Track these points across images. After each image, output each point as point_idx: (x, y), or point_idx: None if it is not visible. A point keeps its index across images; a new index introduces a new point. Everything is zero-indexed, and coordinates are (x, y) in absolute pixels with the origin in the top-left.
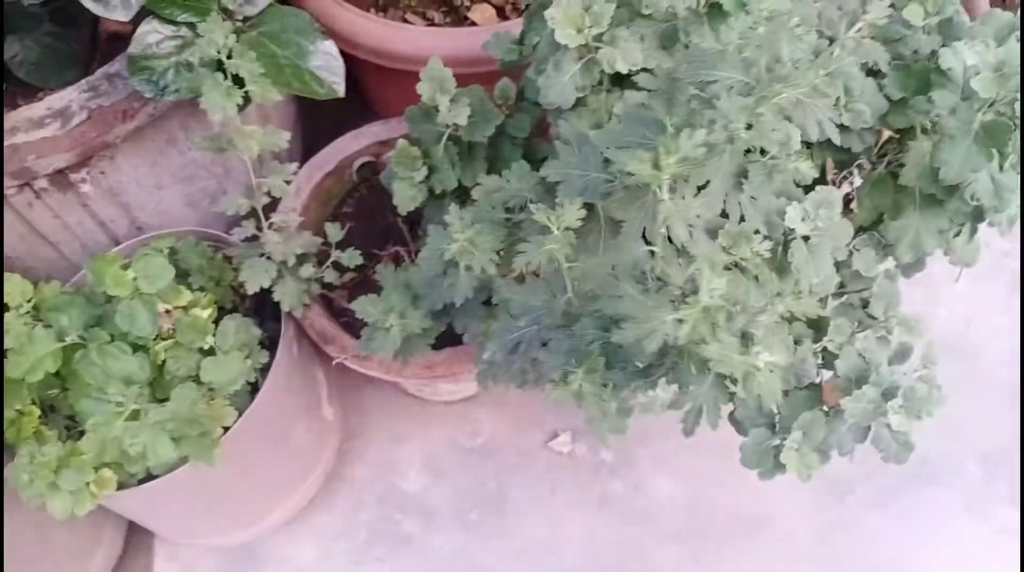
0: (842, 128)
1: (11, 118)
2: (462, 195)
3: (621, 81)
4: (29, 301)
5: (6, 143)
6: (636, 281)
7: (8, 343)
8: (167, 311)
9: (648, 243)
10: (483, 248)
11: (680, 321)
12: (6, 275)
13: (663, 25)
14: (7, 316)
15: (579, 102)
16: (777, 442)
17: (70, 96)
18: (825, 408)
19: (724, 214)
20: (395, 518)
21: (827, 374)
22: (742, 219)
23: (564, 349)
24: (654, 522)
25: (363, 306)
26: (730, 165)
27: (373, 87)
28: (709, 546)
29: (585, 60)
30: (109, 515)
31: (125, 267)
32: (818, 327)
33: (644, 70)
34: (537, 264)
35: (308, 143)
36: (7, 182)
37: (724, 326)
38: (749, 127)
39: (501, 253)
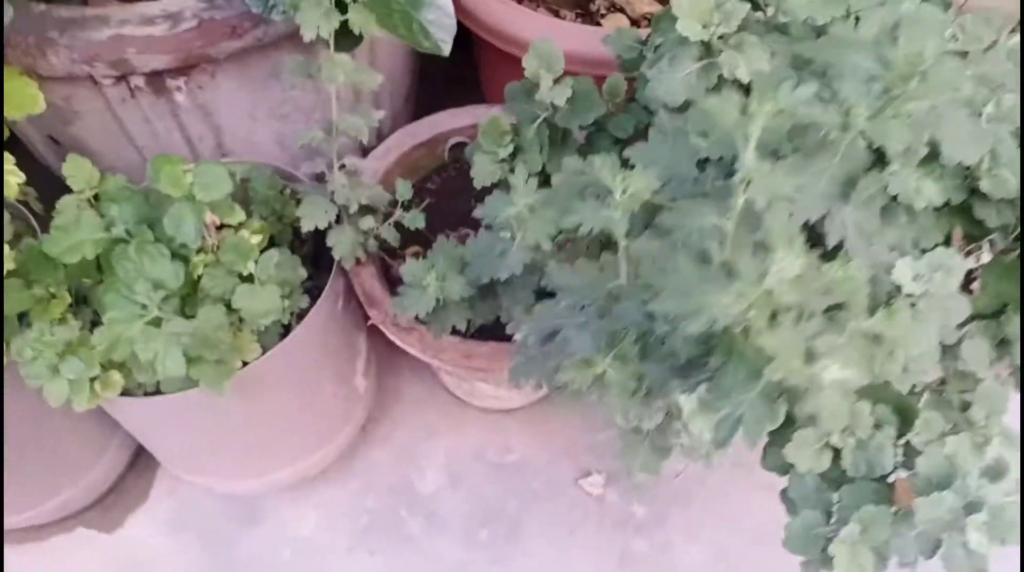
0: (978, 196)
1: (126, 10)
2: (543, 184)
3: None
4: (92, 188)
5: (112, 32)
6: (696, 258)
7: (56, 221)
8: (218, 227)
9: None
10: (543, 219)
11: (735, 302)
12: (74, 157)
13: (798, 44)
14: (67, 198)
15: (688, 104)
16: (830, 531)
17: (185, 2)
18: (894, 508)
19: (815, 235)
20: (401, 514)
21: (904, 474)
22: (838, 248)
23: (597, 330)
24: None
25: (409, 267)
26: (840, 166)
27: (487, 71)
28: None
29: (705, 62)
30: (118, 430)
31: (186, 171)
32: (904, 416)
33: None
34: (590, 240)
35: (416, 116)
36: (105, 71)
37: (789, 324)
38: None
39: (561, 235)
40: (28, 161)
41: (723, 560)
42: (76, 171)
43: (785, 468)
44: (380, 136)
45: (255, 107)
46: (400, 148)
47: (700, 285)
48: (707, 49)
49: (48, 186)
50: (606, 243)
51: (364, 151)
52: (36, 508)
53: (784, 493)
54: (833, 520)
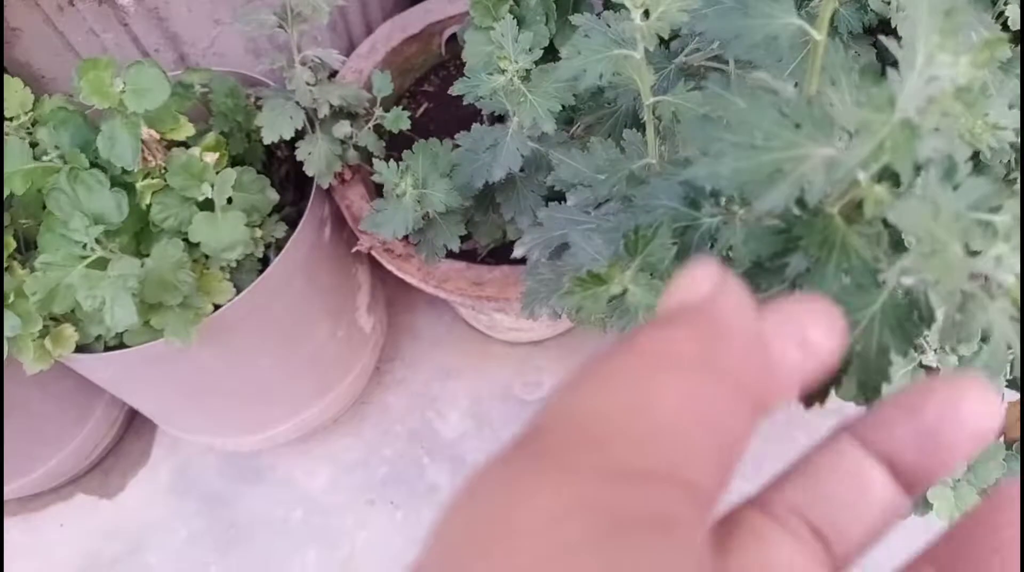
0: None
1: None
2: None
3: None
4: (27, 113)
5: None
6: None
7: None
8: (167, 146)
9: None
10: (543, 90)
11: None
12: (6, 79)
13: None
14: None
15: None
16: None
17: None
18: (1004, 440)
19: None
20: (423, 462)
21: (1012, 396)
22: None
23: (612, 230)
24: None
25: (383, 169)
26: None
27: None
28: None
29: None
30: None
31: (115, 77)
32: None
33: None
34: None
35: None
36: None
37: (940, 181)
38: None
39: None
40: None
41: None
42: (7, 94)
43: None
44: (370, 30)
45: (216, 7)
46: (388, 43)
47: (775, 129)
48: None
49: None
50: (630, 120)
51: (352, 49)
52: (24, 477)
53: None
54: None
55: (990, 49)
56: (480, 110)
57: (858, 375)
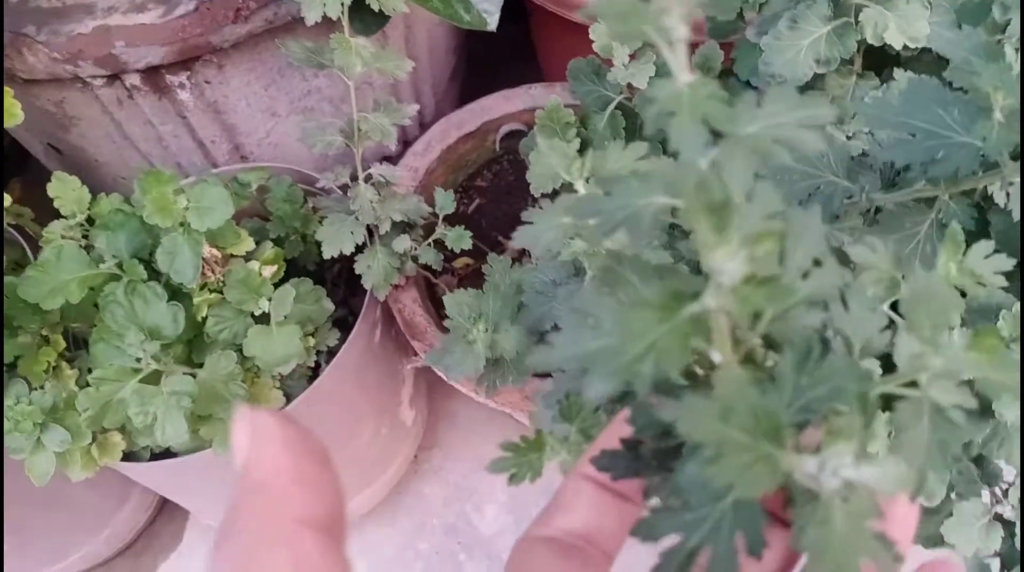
0: None
1: None
2: None
3: (883, 64)
4: (84, 212)
5: (98, 23)
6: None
7: (40, 256)
8: (224, 257)
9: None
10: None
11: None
12: (59, 175)
13: None
14: (54, 225)
15: (815, 81)
16: None
17: None
18: None
19: None
20: (459, 559)
21: None
22: None
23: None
24: None
25: (455, 302)
26: None
27: (545, 43)
28: None
29: (839, 23)
30: None
31: (179, 192)
32: None
33: (924, 51)
34: None
35: (463, 102)
36: (94, 70)
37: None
38: None
39: None
40: (33, 174)
41: None
42: (63, 191)
43: (937, 541)
44: (423, 125)
45: (273, 102)
46: (444, 141)
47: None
48: (838, 5)
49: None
50: None
51: (406, 142)
52: (59, 563)
53: None
54: None
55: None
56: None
57: None
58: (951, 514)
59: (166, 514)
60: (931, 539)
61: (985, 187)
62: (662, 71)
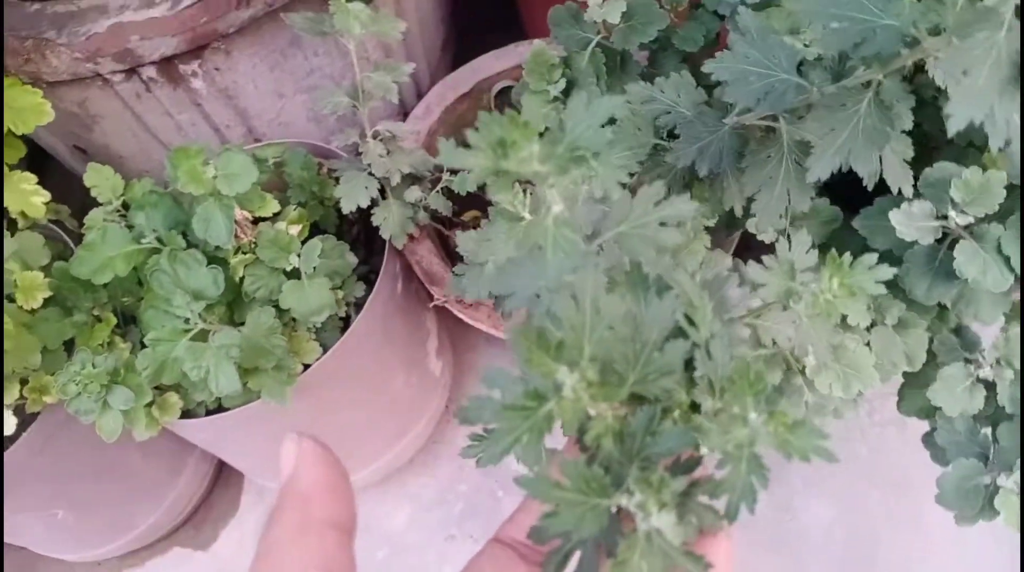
0: None
1: None
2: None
3: None
4: (119, 197)
5: (112, 21)
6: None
7: (86, 238)
8: (253, 221)
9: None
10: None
11: None
12: (94, 166)
13: None
14: (95, 212)
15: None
16: (989, 480)
17: None
18: None
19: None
20: (497, 495)
21: None
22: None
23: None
24: (803, 553)
25: (465, 238)
26: (1008, 42)
27: (529, 11)
28: None
29: None
30: (194, 445)
31: (207, 163)
32: None
33: None
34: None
35: (457, 66)
36: (112, 66)
37: None
38: None
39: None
40: (60, 176)
41: (850, 511)
42: (99, 180)
43: (929, 411)
44: (420, 94)
45: (279, 82)
46: (442, 103)
47: None
48: None
49: (84, 200)
50: (688, 176)
51: (405, 114)
52: (124, 536)
53: (928, 439)
54: (992, 467)
55: None
56: None
57: None
58: (934, 379)
59: (221, 484)
60: (923, 410)
61: (915, 65)
62: (633, 5)
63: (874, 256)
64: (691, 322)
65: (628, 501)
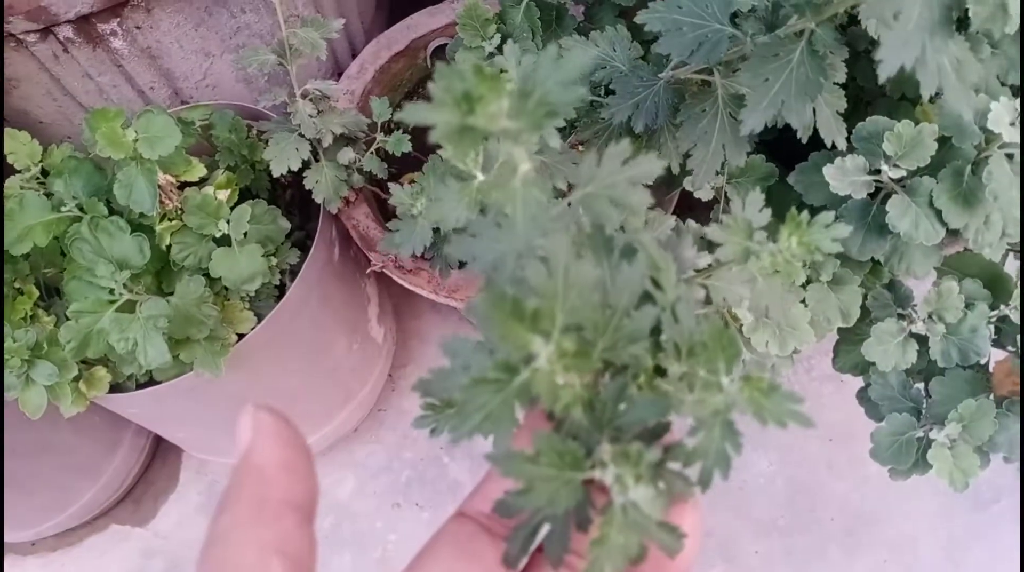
0: None
1: None
2: None
3: None
4: (38, 164)
5: None
6: None
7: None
8: (179, 187)
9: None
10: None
11: None
12: (10, 131)
13: None
14: (12, 179)
15: None
16: (921, 434)
17: None
18: (994, 397)
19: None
20: (443, 461)
21: (1000, 354)
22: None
23: None
24: (745, 505)
25: (399, 192)
26: None
27: None
28: (807, 541)
29: None
30: (128, 421)
31: (127, 125)
32: (997, 289)
33: None
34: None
35: (392, 23)
36: (26, 25)
37: None
38: None
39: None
40: None
41: (792, 465)
42: (15, 147)
43: (863, 367)
44: (355, 53)
45: (205, 41)
46: (376, 61)
47: None
48: None
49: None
50: (624, 132)
51: (340, 73)
52: (61, 513)
53: (862, 394)
54: (924, 419)
55: None
56: None
57: None
58: (870, 337)
59: (159, 458)
60: (858, 365)
61: (849, 16)
62: None
63: (831, 214)
64: (657, 285)
65: (603, 474)
